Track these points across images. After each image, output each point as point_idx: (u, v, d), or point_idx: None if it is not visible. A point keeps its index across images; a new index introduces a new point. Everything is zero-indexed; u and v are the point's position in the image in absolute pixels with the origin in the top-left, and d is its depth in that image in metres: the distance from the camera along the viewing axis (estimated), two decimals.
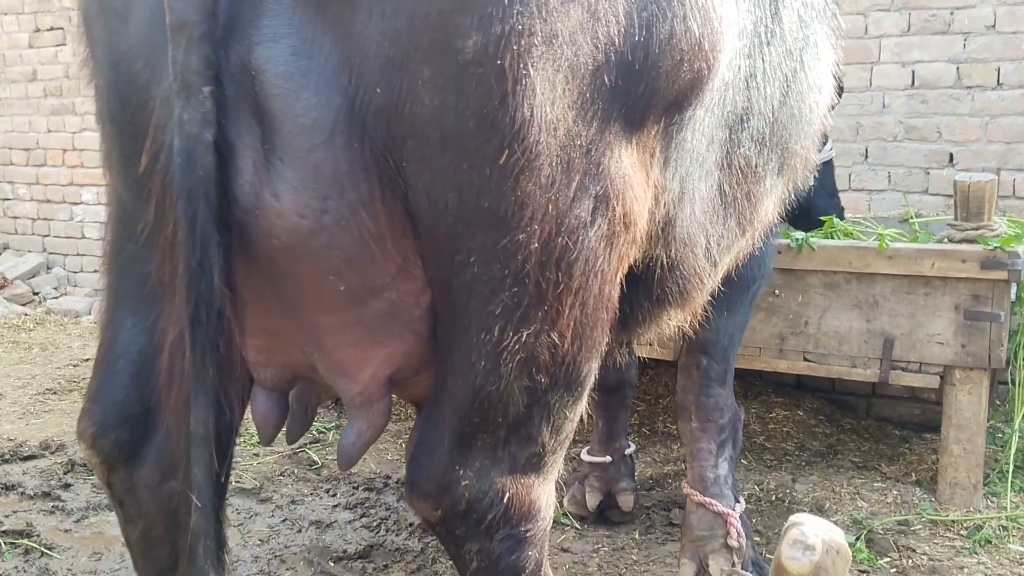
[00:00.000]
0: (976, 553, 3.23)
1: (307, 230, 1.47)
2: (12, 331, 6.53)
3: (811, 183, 3.87)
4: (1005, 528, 3.41)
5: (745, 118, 2.01)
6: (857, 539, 3.29)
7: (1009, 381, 3.87)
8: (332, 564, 3.17)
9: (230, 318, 1.50)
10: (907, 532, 3.40)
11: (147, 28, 1.48)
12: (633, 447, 3.59)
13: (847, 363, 3.69)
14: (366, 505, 3.65)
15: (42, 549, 3.24)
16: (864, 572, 3.12)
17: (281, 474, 3.96)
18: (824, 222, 3.86)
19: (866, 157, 5.01)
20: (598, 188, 1.56)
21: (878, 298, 3.59)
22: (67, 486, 3.81)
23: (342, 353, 1.63)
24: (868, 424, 4.58)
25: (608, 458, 3.49)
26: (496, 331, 1.56)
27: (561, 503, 3.54)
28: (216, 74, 1.41)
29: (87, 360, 5.67)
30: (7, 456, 4.11)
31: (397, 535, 3.38)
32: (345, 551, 3.25)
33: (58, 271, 7.81)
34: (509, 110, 1.41)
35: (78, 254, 7.73)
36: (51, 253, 7.90)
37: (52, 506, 3.61)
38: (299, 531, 3.44)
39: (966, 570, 3.12)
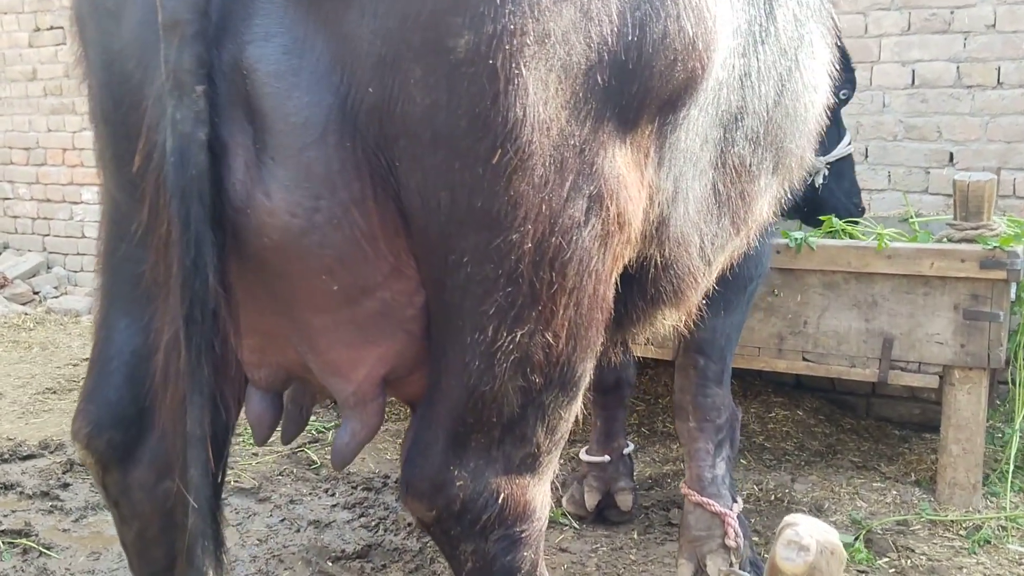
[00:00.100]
0: (975, 553, 3.22)
1: (299, 229, 1.47)
2: (12, 330, 6.54)
3: (822, 181, 3.86)
4: (1004, 528, 3.40)
5: (739, 117, 2.01)
6: (856, 539, 3.29)
7: (1009, 381, 3.87)
8: (330, 564, 3.17)
9: (225, 318, 1.50)
10: (906, 532, 3.40)
11: (140, 27, 1.48)
12: (631, 446, 3.58)
13: (846, 363, 3.68)
14: (365, 505, 3.65)
15: (40, 549, 3.25)
16: (863, 572, 3.11)
17: (280, 474, 3.96)
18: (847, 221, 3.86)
19: (866, 156, 5.00)
20: (592, 188, 1.55)
21: (877, 298, 3.59)
22: (66, 486, 3.81)
23: (335, 353, 1.63)
24: (868, 424, 4.58)
25: (606, 457, 3.49)
26: (490, 331, 1.56)
27: (559, 503, 3.54)
28: (208, 73, 1.40)
29: (87, 360, 5.66)
30: (6, 455, 4.11)
31: (395, 535, 3.38)
32: (343, 551, 3.25)
33: (58, 270, 7.81)
34: (501, 109, 1.41)
35: (78, 253, 7.74)
36: (51, 252, 7.91)
37: (51, 506, 3.61)
38: (297, 531, 3.44)
39: (965, 570, 3.11)
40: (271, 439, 1.97)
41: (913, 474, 3.93)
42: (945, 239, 3.57)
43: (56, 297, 7.47)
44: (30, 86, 7.76)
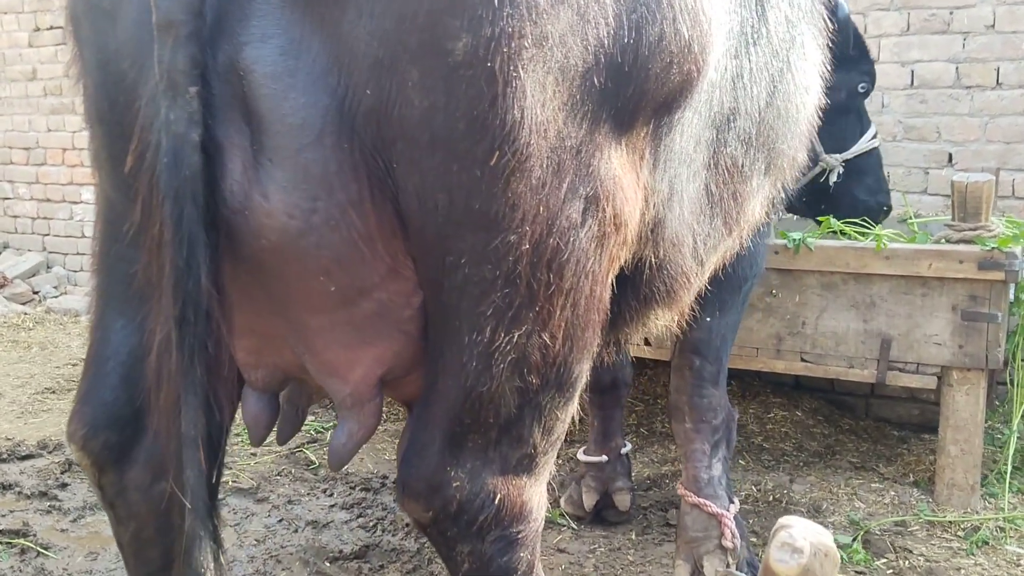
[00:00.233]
0: (973, 554, 3.22)
1: (296, 230, 1.47)
2: (12, 330, 6.54)
3: (836, 177, 3.80)
4: (1002, 529, 3.40)
5: (732, 118, 2.01)
6: (854, 540, 3.29)
7: (1007, 382, 3.86)
8: (328, 564, 3.17)
9: (218, 318, 1.49)
10: (904, 533, 3.40)
11: (134, 28, 1.47)
12: (629, 446, 3.58)
13: (844, 363, 3.68)
14: (363, 505, 3.65)
15: (38, 549, 3.25)
16: (861, 573, 3.11)
17: (278, 474, 3.96)
18: (868, 219, 3.82)
19: None
20: (588, 189, 1.55)
21: (875, 298, 3.59)
22: (64, 486, 3.81)
23: (332, 353, 1.63)
24: (866, 424, 4.58)
25: (604, 458, 3.49)
26: (487, 332, 1.56)
27: (557, 503, 3.54)
28: (203, 74, 1.40)
29: None
30: (4, 455, 4.11)
31: (393, 535, 3.38)
32: (341, 551, 3.25)
33: (58, 270, 7.81)
34: (499, 112, 1.41)
35: (78, 253, 7.74)
36: (51, 252, 7.91)
37: (49, 506, 3.61)
38: (295, 531, 3.44)
39: (963, 571, 3.11)
40: (268, 439, 1.97)
41: (911, 475, 3.93)
42: (943, 240, 3.57)
43: (56, 297, 7.47)
44: (30, 86, 7.76)
